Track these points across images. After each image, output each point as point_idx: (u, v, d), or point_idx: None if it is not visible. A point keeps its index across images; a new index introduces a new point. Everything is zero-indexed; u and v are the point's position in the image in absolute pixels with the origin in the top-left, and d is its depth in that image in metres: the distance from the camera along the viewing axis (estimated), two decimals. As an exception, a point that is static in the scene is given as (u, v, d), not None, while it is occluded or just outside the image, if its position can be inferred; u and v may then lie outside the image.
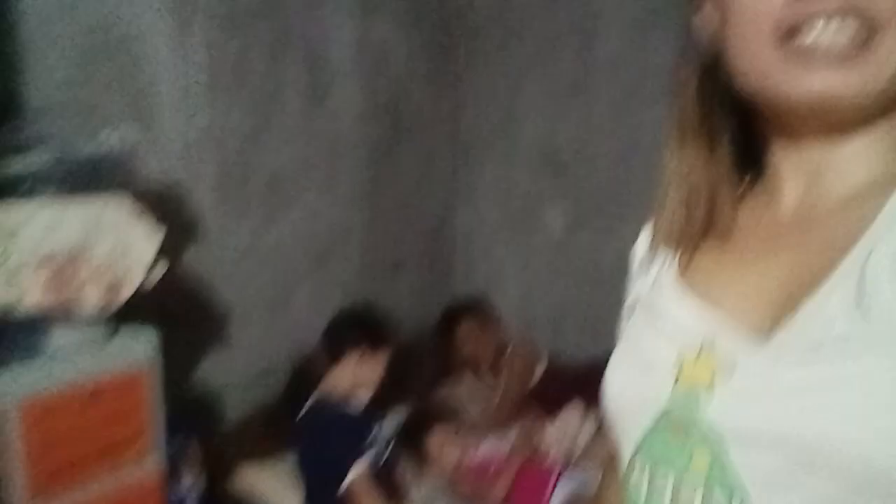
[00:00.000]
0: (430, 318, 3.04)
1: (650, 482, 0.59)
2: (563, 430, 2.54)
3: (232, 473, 2.16)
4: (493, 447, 2.45)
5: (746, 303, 0.57)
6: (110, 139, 1.55)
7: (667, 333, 0.60)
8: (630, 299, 0.70)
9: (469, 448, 2.42)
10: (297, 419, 2.16)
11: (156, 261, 1.52)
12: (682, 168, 0.64)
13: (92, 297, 1.39)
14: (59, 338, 1.43)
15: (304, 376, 2.28)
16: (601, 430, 2.52)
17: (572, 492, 2.25)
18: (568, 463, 2.43)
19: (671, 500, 0.57)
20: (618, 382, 0.64)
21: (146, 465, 1.56)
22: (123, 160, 1.55)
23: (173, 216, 1.73)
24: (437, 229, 3.27)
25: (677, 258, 0.65)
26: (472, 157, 3.30)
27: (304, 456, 2.14)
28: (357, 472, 2.01)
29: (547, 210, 3.16)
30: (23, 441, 1.33)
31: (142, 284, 1.49)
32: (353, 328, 2.30)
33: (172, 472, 1.67)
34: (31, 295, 1.29)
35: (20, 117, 1.60)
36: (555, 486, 2.28)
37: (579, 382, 2.66)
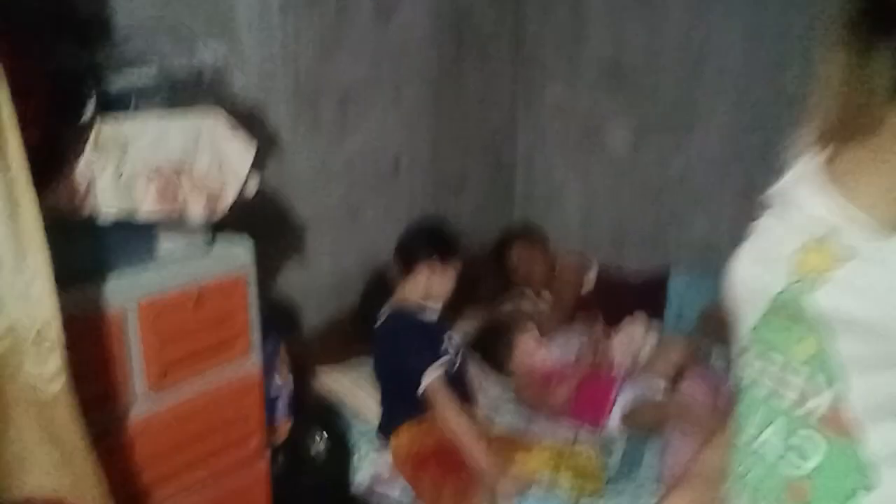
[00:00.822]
0: (493, 234, 3.11)
1: (761, 366, 0.61)
2: (626, 341, 2.60)
3: (313, 376, 2.30)
4: (558, 355, 2.53)
5: (880, 198, 0.57)
6: (201, 56, 1.60)
7: (795, 224, 0.61)
8: (770, 192, 0.71)
9: (543, 354, 2.52)
10: (375, 327, 2.26)
11: (249, 174, 1.60)
12: (832, 68, 0.64)
13: (196, 208, 1.47)
14: (168, 245, 1.53)
15: (379, 287, 2.38)
16: (663, 340, 2.58)
17: (634, 400, 2.32)
18: (631, 372, 2.50)
19: (777, 383, 0.59)
20: (740, 271, 0.66)
21: (246, 363, 1.67)
22: (215, 77, 1.61)
23: (253, 132, 1.79)
24: (500, 146, 3.29)
25: (822, 155, 0.65)
26: (535, 73, 3.26)
27: (381, 362, 2.26)
28: (432, 376, 2.10)
29: (609, 126, 3.13)
30: (141, 338, 1.44)
31: (238, 196, 1.57)
32: (425, 241, 2.37)
33: (267, 371, 1.79)
34: (143, 204, 1.38)
35: (113, 37, 1.66)
36: (617, 395, 2.34)
37: (642, 294, 2.72)
